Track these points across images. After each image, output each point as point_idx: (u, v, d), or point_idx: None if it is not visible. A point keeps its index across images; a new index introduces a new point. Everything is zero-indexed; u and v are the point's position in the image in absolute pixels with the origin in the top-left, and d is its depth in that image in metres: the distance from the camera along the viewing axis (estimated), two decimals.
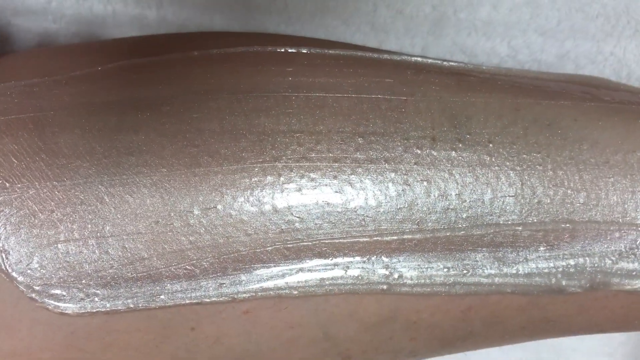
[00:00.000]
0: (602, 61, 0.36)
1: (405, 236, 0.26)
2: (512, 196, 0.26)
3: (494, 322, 0.28)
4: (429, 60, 0.28)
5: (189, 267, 0.25)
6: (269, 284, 0.25)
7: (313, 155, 0.25)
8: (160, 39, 0.30)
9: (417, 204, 0.26)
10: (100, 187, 0.24)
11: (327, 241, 0.25)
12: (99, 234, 0.24)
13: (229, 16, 0.37)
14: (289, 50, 0.27)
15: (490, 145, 0.26)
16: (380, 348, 0.28)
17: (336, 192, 0.25)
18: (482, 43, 0.36)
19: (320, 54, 0.28)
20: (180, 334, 0.26)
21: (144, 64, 0.26)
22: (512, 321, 0.28)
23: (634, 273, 0.27)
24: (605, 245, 0.27)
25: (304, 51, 0.27)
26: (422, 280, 0.26)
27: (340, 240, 0.25)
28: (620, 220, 0.27)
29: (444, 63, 0.29)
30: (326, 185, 0.25)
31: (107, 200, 0.24)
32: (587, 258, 0.27)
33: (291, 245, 0.25)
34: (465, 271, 0.26)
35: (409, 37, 0.36)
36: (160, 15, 0.37)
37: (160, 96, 0.26)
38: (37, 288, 0.24)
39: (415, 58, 0.28)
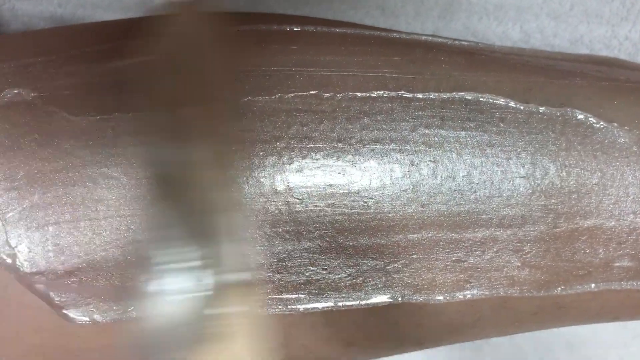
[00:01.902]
0: (617, 45, 0.35)
1: (409, 219, 0.25)
2: (523, 177, 0.25)
3: (503, 307, 0.27)
4: (439, 39, 0.28)
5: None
6: None
7: (316, 135, 0.24)
8: (160, 19, 0.30)
9: (423, 185, 0.25)
10: (94, 167, 0.24)
11: (328, 224, 0.25)
12: (91, 216, 0.24)
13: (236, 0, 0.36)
14: (294, 29, 0.27)
15: (502, 124, 0.25)
16: (385, 335, 0.27)
17: (339, 173, 0.24)
18: (494, 27, 0.35)
19: (326, 32, 0.27)
20: None
21: (144, 44, 0.26)
22: (522, 307, 0.27)
23: None
24: (619, 225, 0.26)
25: (310, 29, 0.27)
26: (427, 264, 0.26)
27: (342, 223, 0.25)
28: (636, 199, 0.26)
29: (455, 42, 0.28)
30: (329, 166, 0.24)
31: (101, 181, 0.24)
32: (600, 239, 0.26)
33: (291, 228, 0.24)
34: (471, 254, 0.26)
35: (419, 21, 0.36)
36: None
37: (158, 75, 0.25)
38: (26, 271, 0.24)
39: (425, 37, 0.28)
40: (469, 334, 0.29)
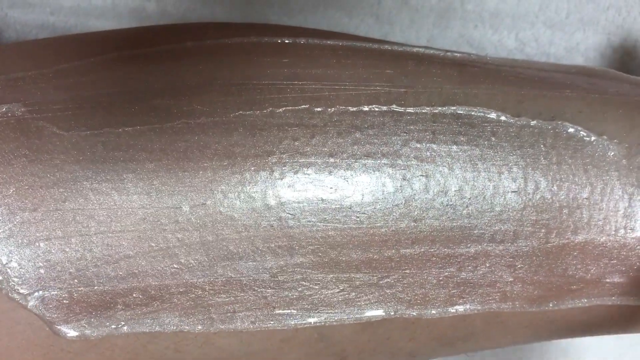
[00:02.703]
0: (612, 54, 0.35)
1: (401, 234, 0.25)
2: (515, 191, 0.25)
3: (496, 321, 0.27)
4: (431, 51, 0.28)
5: (176, 266, 0.24)
6: None
7: (308, 149, 0.24)
8: (153, 31, 0.29)
9: (415, 200, 0.25)
10: (85, 183, 0.24)
11: (320, 239, 0.25)
12: (82, 232, 0.24)
13: (229, 8, 0.36)
14: (285, 41, 0.26)
15: (493, 138, 0.25)
16: (378, 349, 0.27)
17: (331, 188, 0.24)
18: (489, 35, 0.35)
19: (318, 44, 0.27)
20: (169, 334, 0.25)
21: (135, 56, 0.26)
22: (514, 321, 0.27)
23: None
24: (610, 240, 0.26)
25: (301, 42, 0.27)
26: (420, 279, 0.26)
27: (334, 238, 0.25)
28: (626, 214, 0.26)
29: (447, 54, 0.28)
30: (321, 181, 0.24)
31: (92, 197, 0.24)
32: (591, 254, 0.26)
33: (283, 244, 0.24)
34: (463, 269, 0.26)
35: (414, 29, 0.36)
36: (160, 7, 0.36)
37: (151, 89, 0.25)
38: (17, 287, 0.24)
39: (417, 48, 0.27)
40: (461, 347, 0.28)
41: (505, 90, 0.26)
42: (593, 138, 0.26)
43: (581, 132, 0.26)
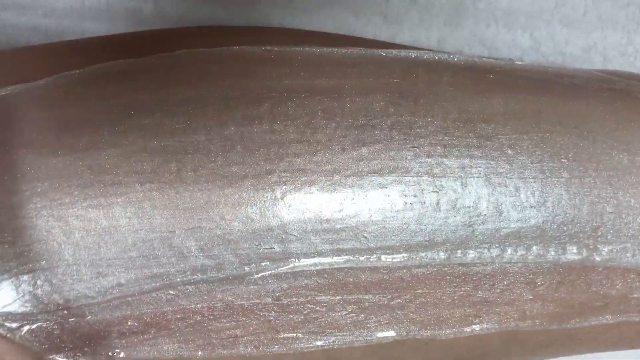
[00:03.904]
0: (633, 53, 0.33)
1: (412, 255, 0.23)
2: (534, 207, 0.24)
3: (514, 341, 0.26)
4: (443, 56, 0.26)
5: (172, 292, 0.23)
6: None
7: (311, 167, 0.23)
8: (143, 37, 0.28)
9: (427, 218, 0.23)
10: (70, 210, 0.22)
11: (326, 262, 0.23)
12: (70, 262, 0.22)
13: (230, 9, 0.35)
14: (287, 49, 0.25)
15: (510, 151, 0.24)
16: None
17: (336, 208, 0.23)
18: (503, 35, 0.34)
19: (321, 52, 0.25)
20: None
21: (123, 68, 0.24)
22: (534, 339, 0.26)
23: None
24: (638, 255, 0.24)
25: (304, 49, 0.25)
26: (433, 299, 0.24)
27: (339, 262, 0.23)
28: None
29: (459, 59, 0.26)
30: (325, 200, 0.23)
31: (78, 224, 0.22)
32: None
33: (284, 268, 0.23)
34: (480, 287, 0.24)
35: (423, 28, 0.34)
36: (158, 8, 0.35)
37: (140, 105, 0.23)
38: (3, 323, 0.22)
39: (428, 54, 0.26)
40: None
41: (522, 99, 0.24)
42: (618, 149, 0.24)
43: (605, 143, 0.24)
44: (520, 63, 0.26)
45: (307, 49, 0.25)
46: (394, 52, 0.26)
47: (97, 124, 0.23)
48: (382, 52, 0.26)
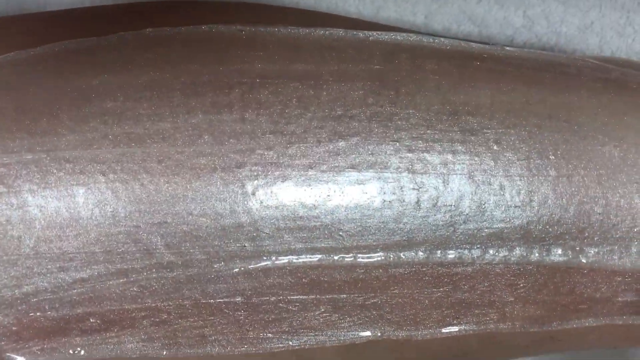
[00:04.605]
0: (632, 34, 0.32)
1: (390, 254, 0.22)
2: (518, 206, 0.22)
3: (492, 342, 0.25)
4: (428, 39, 0.24)
5: (136, 289, 0.22)
6: None
7: (284, 160, 0.21)
8: (108, 12, 0.26)
9: (406, 217, 0.22)
10: (30, 199, 0.21)
11: (299, 261, 0.22)
12: (30, 255, 0.21)
13: None
14: (260, 29, 0.23)
15: (495, 147, 0.22)
16: None
17: (311, 204, 0.22)
18: (495, 12, 0.32)
19: (296, 34, 0.23)
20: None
21: (83, 46, 0.22)
22: (513, 340, 0.25)
23: None
24: (623, 261, 0.23)
25: (279, 30, 0.23)
26: (409, 299, 0.23)
27: (313, 261, 0.22)
28: None
29: (445, 43, 0.24)
30: (299, 197, 0.21)
31: (39, 214, 0.21)
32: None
33: (255, 266, 0.22)
34: (459, 289, 0.23)
35: (410, 4, 0.32)
36: None
37: (103, 88, 0.22)
38: None
39: (412, 38, 0.24)
40: None
41: (510, 90, 0.23)
42: (610, 145, 0.23)
43: (596, 139, 0.23)
44: (510, 49, 0.25)
45: (282, 29, 0.23)
46: (376, 34, 0.24)
47: (56, 107, 0.21)
48: (363, 34, 0.24)
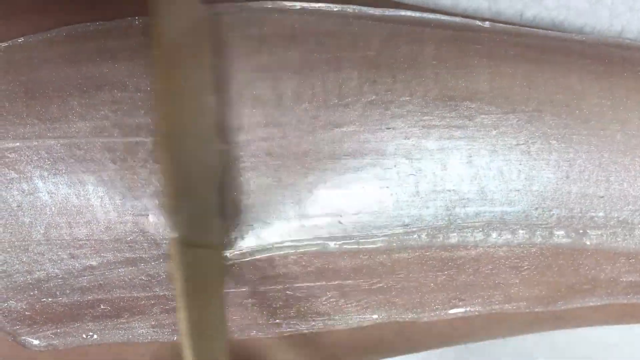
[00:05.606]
0: None
1: (391, 239, 0.22)
2: (517, 191, 0.22)
3: (497, 320, 0.25)
4: (428, 18, 0.23)
5: (145, 278, 0.22)
6: None
7: (279, 150, 0.22)
8: None
9: (405, 203, 0.22)
10: (39, 183, 0.21)
11: (302, 250, 0.22)
12: (41, 241, 0.22)
13: None
14: (252, 6, 0.22)
15: (494, 132, 0.22)
16: (370, 349, 0.25)
17: (307, 193, 0.22)
18: None
19: (289, 10, 0.23)
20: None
21: (93, 30, 0.22)
22: (518, 319, 0.25)
23: None
24: (627, 242, 0.23)
25: (268, 6, 0.23)
26: (415, 283, 0.23)
27: (315, 249, 0.22)
28: None
29: (445, 24, 0.23)
30: (295, 185, 0.22)
31: (50, 201, 0.21)
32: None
33: (260, 256, 0.22)
34: (463, 272, 0.23)
35: None
36: None
37: (112, 76, 0.22)
38: None
39: (409, 15, 0.23)
40: (460, 342, 0.27)
41: (510, 73, 0.23)
42: (614, 127, 0.23)
43: (601, 122, 0.22)
44: (511, 27, 0.24)
45: (271, 5, 0.22)
46: (371, 11, 0.23)
47: (67, 93, 0.22)
48: (357, 9, 0.23)
